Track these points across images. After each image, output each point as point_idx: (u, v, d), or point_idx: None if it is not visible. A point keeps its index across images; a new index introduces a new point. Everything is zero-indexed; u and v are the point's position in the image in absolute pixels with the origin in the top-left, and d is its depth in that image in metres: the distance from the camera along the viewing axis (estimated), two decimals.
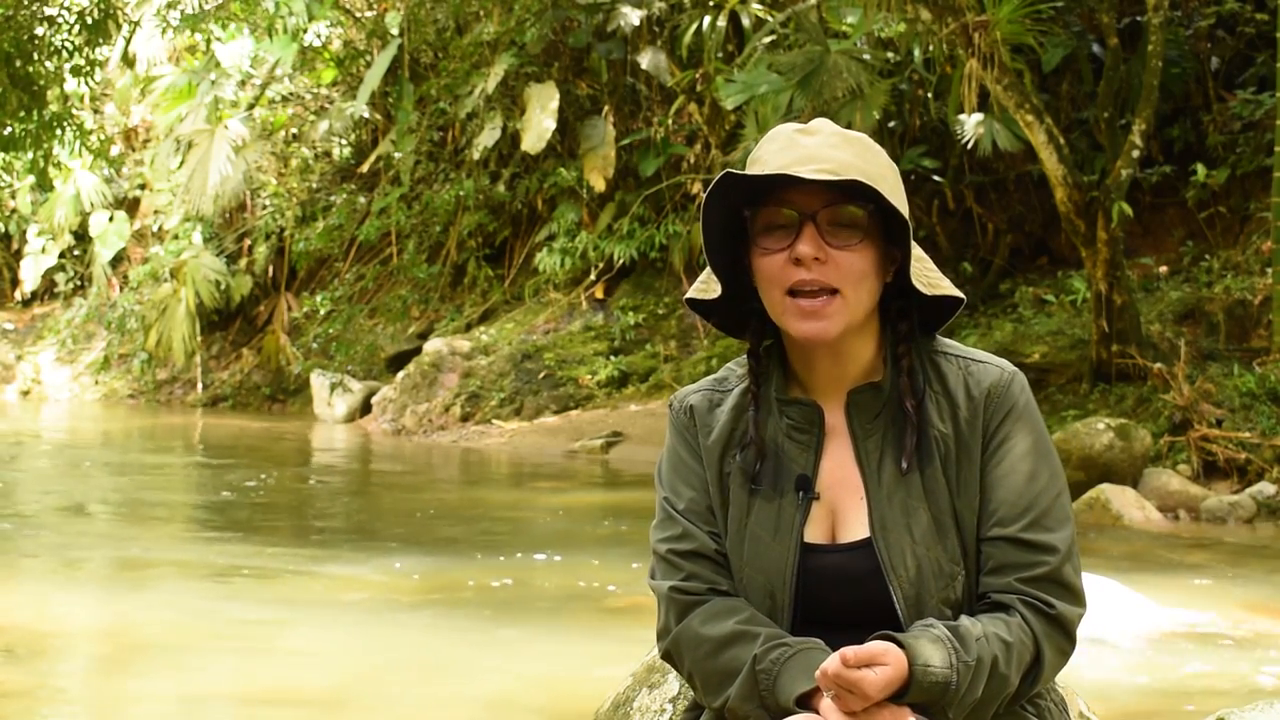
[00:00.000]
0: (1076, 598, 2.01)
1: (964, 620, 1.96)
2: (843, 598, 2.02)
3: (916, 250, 2.05)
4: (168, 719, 5.11)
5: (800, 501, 2.05)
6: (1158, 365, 10.93)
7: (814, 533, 2.06)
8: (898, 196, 2.01)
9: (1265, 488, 9.75)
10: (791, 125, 2.06)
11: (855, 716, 1.88)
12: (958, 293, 2.08)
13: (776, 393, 2.10)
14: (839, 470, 2.07)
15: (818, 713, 1.91)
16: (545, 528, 9.52)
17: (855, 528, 2.05)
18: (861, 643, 1.89)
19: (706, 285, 2.12)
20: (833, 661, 1.86)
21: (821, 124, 2.06)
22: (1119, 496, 9.48)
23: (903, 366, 2.06)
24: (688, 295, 2.14)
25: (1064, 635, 2.00)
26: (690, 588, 2.06)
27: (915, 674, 1.88)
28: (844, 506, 2.06)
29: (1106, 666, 5.62)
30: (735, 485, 2.09)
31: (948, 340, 2.13)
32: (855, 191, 1.98)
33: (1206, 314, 12.06)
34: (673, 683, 2.92)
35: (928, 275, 2.06)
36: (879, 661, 1.86)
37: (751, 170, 2.01)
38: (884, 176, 2.00)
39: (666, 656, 2.11)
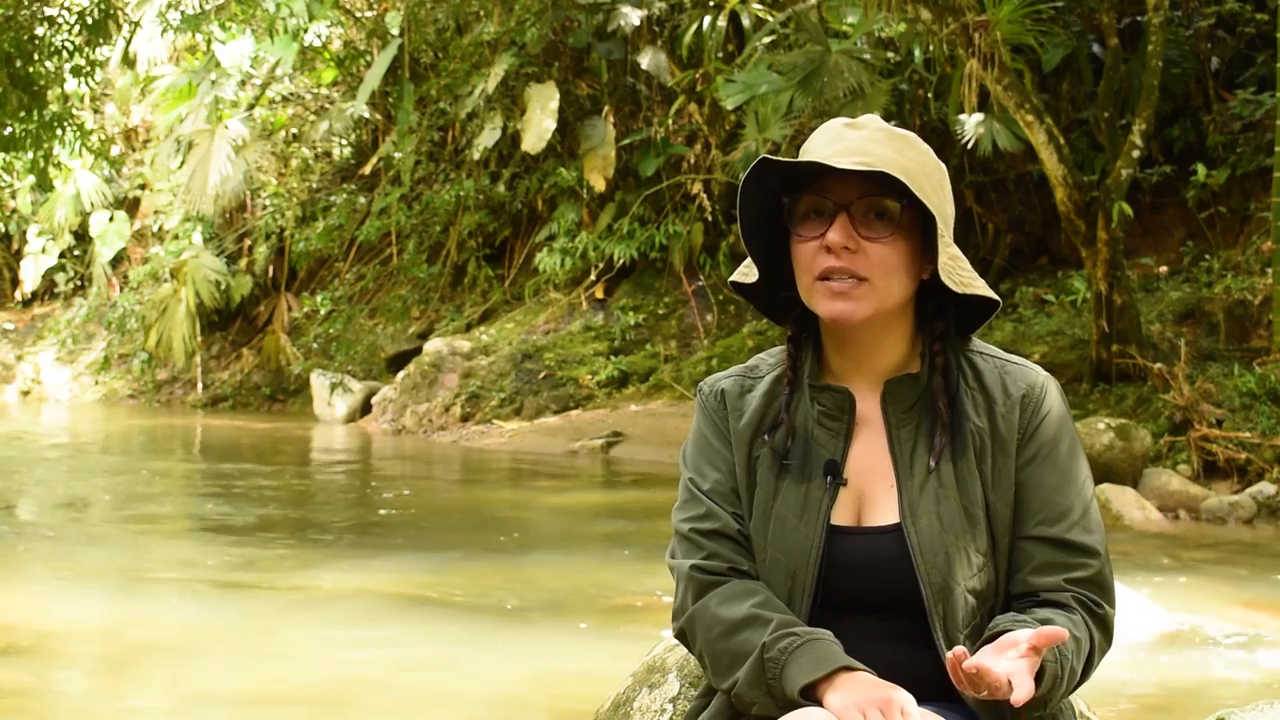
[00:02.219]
0: (1113, 599, 2.09)
1: (1045, 615, 1.99)
2: (865, 581, 2.03)
3: (953, 250, 2.07)
4: (168, 718, 5.11)
5: (828, 486, 2.07)
6: (1158, 365, 10.93)
7: (840, 516, 2.08)
8: (938, 195, 2.04)
9: (1265, 488, 9.75)
10: (842, 119, 2.11)
11: (855, 701, 1.89)
12: (992, 294, 2.11)
13: (810, 379, 2.12)
14: (868, 458, 2.09)
15: (822, 705, 1.92)
16: (545, 528, 9.52)
17: (882, 513, 2.07)
18: (880, 627, 1.97)
19: (748, 269, 2.16)
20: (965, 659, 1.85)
21: (870, 119, 2.10)
22: (1119, 496, 9.48)
23: (937, 365, 2.09)
24: (731, 279, 2.18)
25: (1106, 637, 2.08)
26: (711, 566, 2.08)
27: (1046, 670, 1.91)
28: (872, 493, 2.08)
29: (1106, 666, 5.60)
30: (763, 468, 2.11)
31: (982, 343, 2.16)
32: (891, 185, 2.01)
33: (1206, 314, 12.06)
34: (673, 682, 2.91)
35: (961, 274, 2.08)
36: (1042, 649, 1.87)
37: (801, 160, 2.05)
38: (926, 175, 2.04)
39: (680, 635, 2.13)
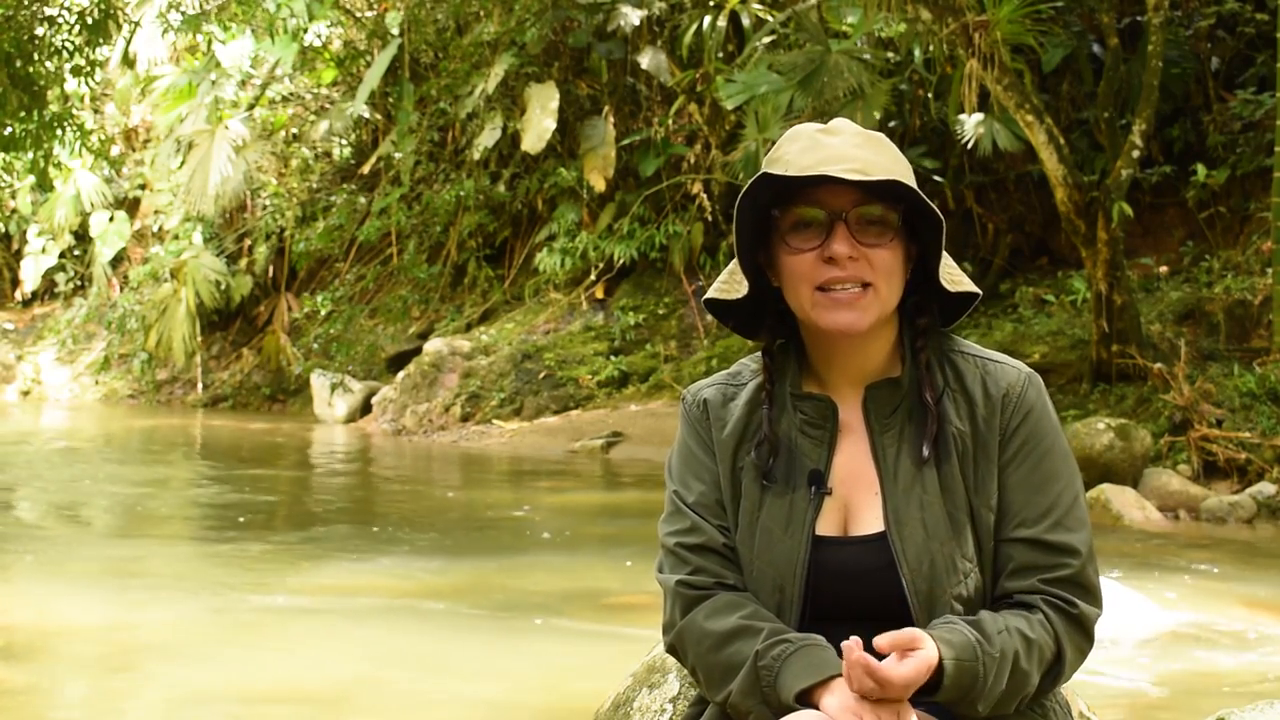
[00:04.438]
0: (1096, 599, 2.04)
1: (984, 615, 1.98)
2: (853, 591, 2.02)
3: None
4: (167, 719, 5.11)
5: (812, 496, 2.06)
6: (1158, 365, 10.93)
7: (826, 526, 2.07)
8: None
9: (1265, 488, 9.75)
10: (812, 125, 2.08)
11: (852, 705, 1.89)
12: (976, 288, 2.11)
13: (791, 388, 2.11)
14: (852, 465, 2.08)
15: (818, 709, 1.92)
16: (545, 527, 9.52)
17: (868, 521, 2.06)
18: (869, 636, 1.89)
19: (729, 285, 2.13)
20: (857, 651, 1.86)
21: (843, 124, 2.08)
22: (1119, 496, 9.48)
23: (921, 360, 2.08)
24: (708, 296, 2.15)
25: (1083, 634, 2.02)
26: (697, 581, 2.08)
27: (949, 669, 1.89)
28: (857, 501, 2.07)
29: (1107, 667, 5.62)
30: (748, 479, 2.10)
31: (964, 340, 2.15)
32: (882, 191, 2.00)
33: (1206, 314, 12.06)
34: (673, 682, 2.91)
35: (950, 272, 2.09)
36: (914, 646, 1.87)
37: (773, 171, 2.01)
38: (905, 175, 2.03)
39: (671, 650, 2.13)
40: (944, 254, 2.08)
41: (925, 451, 2.04)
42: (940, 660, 1.89)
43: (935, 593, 2.00)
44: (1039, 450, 2.05)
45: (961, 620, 1.95)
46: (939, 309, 2.12)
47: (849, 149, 2.01)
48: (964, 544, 2.02)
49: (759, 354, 2.17)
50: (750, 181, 2.02)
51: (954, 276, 2.09)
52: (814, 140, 2.03)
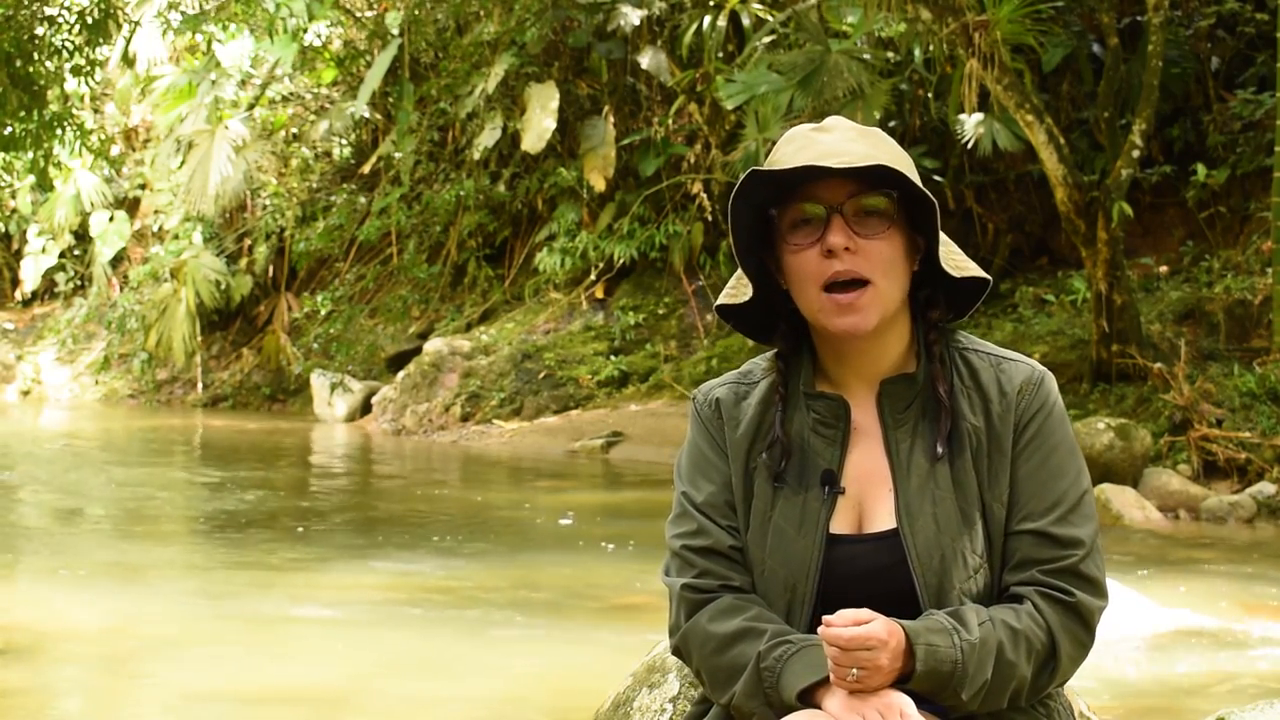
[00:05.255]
0: (1097, 590, 2.03)
1: (967, 607, 1.98)
2: (865, 589, 2.02)
3: (942, 234, 2.07)
4: (168, 718, 5.11)
5: (825, 496, 2.06)
6: (1158, 365, 10.93)
7: (840, 525, 2.07)
8: (919, 185, 2.04)
9: (1265, 487, 9.75)
10: (807, 125, 2.09)
11: (854, 704, 1.89)
12: (983, 273, 2.10)
13: (804, 387, 2.11)
14: (866, 463, 2.08)
15: (820, 708, 1.93)
16: (545, 527, 9.52)
17: (882, 519, 2.06)
18: None
19: (736, 290, 2.14)
20: (832, 625, 1.88)
21: (837, 121, 2.08)
22: (1119, 496, 9.48)
23: (935, 353, 2.08)
24: (718, 303, 2.16)
25: (1082, 626, 2.01)
26: (702, 585, 2.08)
27: (919, 653, 1.90)
28: (871, 499, 2.07)
29: (1106, 666, 5.61)
30: (760, 479, 2.10)
31: (976, 339, 2.15)
32: (878, 181, 2.01)
33: (1206, 314, 12.06)
34: (673, 682, 2.91)
35: (954, 258, 2.09)
36: (865, 620, 1.89)
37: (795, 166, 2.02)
38: (905, 165, 2.03)
39: (676, 652, 2.13)
40: (945, 239, 2.07)
41: (939, 448, 2.04)
42: (912, 646, 1.89)
43: (945, 587, 2.00)
44: (1048, 445, 2.06)
45: (940, 613, 1.96)
46: (952, 301, 2.12)
47: (842, 144, 2.01)
48: (974, 539, 2.02)
49: (770, 353, 2.17)
50: (740, 181, 2.02)
51: (957, 261, 2.09)
52: (808, 139, 2.04)
